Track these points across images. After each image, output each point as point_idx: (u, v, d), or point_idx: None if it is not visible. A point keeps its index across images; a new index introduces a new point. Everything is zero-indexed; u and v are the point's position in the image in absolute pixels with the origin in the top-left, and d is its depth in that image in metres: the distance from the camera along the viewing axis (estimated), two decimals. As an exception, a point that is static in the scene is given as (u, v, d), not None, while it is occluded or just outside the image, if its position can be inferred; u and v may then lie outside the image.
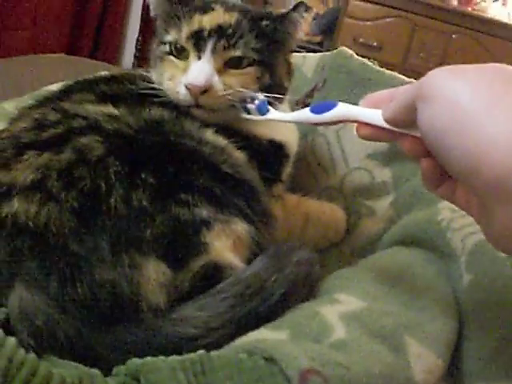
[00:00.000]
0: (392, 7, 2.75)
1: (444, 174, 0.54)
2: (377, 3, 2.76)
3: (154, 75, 0.89)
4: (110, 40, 3.47)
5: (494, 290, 0.67)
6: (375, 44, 2.73)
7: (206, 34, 0.82)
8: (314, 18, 2.94)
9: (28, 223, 0.63)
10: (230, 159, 0.77)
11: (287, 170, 0.95)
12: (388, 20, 2.75)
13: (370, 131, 0.58)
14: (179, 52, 0.85)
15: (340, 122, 0.62)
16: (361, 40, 2.67)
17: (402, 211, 0.92)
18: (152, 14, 0.93)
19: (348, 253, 0.95)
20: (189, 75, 0.81)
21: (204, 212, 0.68)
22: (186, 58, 0.84)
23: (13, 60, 1.93)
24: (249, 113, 0.80)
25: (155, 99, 0.81)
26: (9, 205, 0.65)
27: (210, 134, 0.79)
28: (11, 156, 0.71)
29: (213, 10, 0.86)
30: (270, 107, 0.78)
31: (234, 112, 0.82)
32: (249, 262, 0.72)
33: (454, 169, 0.48)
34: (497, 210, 0.45)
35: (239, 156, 0.81)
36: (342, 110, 0.61)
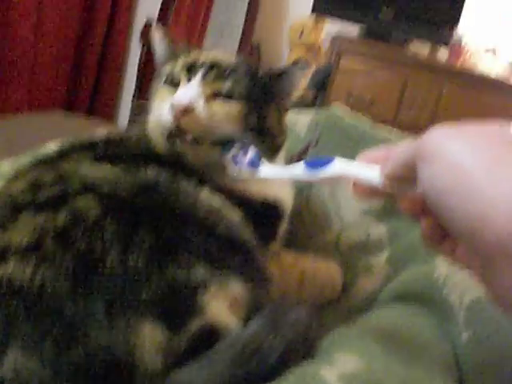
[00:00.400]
0: (383, 63, 2.80)
1: (444, 231, 0.53)
2: (368, 59, 2.82)
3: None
4: (106, 96, 3.52)
5: (493, 346, 0.67)
6: (368, 99, 2.77)
7: (199, 63, 0.86)
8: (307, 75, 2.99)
9: (23, 285, 0.63)
10: (226, 219, 0.77)
11: (282, 227, 0.95)
12: (379, 75, 2.80)
13: (367, 190, 0.58)
14: (173, 82, 0.88)
15: (336, 178, 0.61)
16: (353, 95, 2.71)
17: (398, 267, 0.91)
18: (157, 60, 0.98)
19: (345, 310, 0.94)
20: (175, 96, 0.83)
21: (200, 273, 0.68)
22: (178, 85, 0.87)
23: (10, 117, 1.95)
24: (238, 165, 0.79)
25: (150, 159, 0.82)
26: (4, 266, 0.65)
27: (205, 193, 0.80)
28: (7, 217, 0.71)
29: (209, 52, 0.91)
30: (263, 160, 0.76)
31: (222, 160, 0.82)
32: (246, 321, 0.71)
33: (455, 229, 0.47)
34: (500, 271, 0.44)
35: (234, 215, 0.81)
36: (339, 165, 0.60)
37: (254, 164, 0.75)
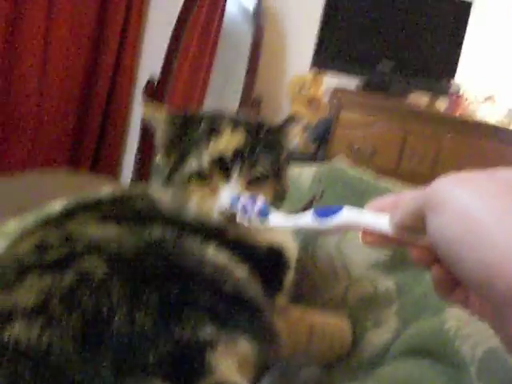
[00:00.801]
0: (382, 115, 2.84)
1: (456, 280, 0.52)
2: (367, 112, 2.85)
3: (165, 195, 0.92)
4: (110, 152, 3.56)
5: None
6: (369, 150, 2.79)
7: (228, 160, 0.87)
8: (308, 129, 3.03)
9: (30, 347, 0.62)
10: (232, 277, 0.77)
11: (289, 276, 0.94)
12: (380, 127, 2.83)
13: (377, 238, 0.57)
14: (203, 178, 0.88)
15: (345, 227, 0.60)
16: (354, 147, 2.74)
17: (407, 320, 0.90)
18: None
19: (355, 365, 0.92)
20: (222, 202, 0.85)
21: (207, 332, 0.67)
22: (211, 182, 0.88)
23: (12, 176, 1.97)
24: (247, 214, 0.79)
25: (155, 218, 0.83)
26: (11, 328, 0.64)
27: (211, 251, 0.80)
28: (13, 278, 0.71)
29: (222, 132, 0.90)
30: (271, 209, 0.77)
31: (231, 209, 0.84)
32: (255, 379, 0.70)
33: (466, 279, 0.47)
34: (511, 319, 0.43)
35: (240, 272, 0.81)
36: (348, 214, 0.59)
37: (263, 213, 0.75)
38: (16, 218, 1.11)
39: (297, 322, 0.90)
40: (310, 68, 3.05)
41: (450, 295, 0.55)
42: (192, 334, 0.66)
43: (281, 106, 3.41)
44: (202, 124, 0.92)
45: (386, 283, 0.97)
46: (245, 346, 0.70)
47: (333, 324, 0.94)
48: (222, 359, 0.67)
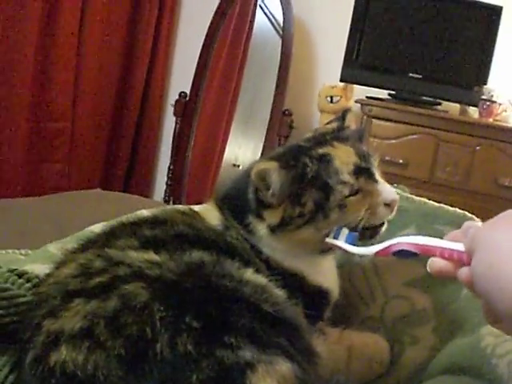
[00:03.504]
0: (414, 125, 2.82)
1: None
2: (399, 122, 2.84)
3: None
4: (142, 170, 3.60)
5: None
6: (401, 161, 2.78)
7: (364, 164, 0.93)
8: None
9: (76, 372, 0.64)
10: (271, 298, 0.78)
11: (328, 312, 0.97)
12: (412, 137, 2.82)
13: (447, 265, 0.60)
14: (356, 191, 0.90)
15: (424, 253, 0.64)
16: (387, 158, 2.71)
17: (444, 338, 0.90)
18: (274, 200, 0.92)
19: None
20: (384, 196, 0.91)
21: (247, 354, 0.68)
22: (360, 191, 0.91)
23: (50, 197, 2.00)
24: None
25: (194, 242, 0.84)
26: (57, 353, 0.67)
27: (249, 274, 0.81)
28: (58, 303, 0.73)
29: (332, 152, 0.93)
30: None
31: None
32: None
33: (496, 310, 0.49)
34: None
35: (279, 294, 0.82)
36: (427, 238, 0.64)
37: (349, 239, 0.84)
38: (56, 242, 1.13)
39: (335, 344, 0.91)
40: (339, 81, 3.04)
41: (496, 324, 0.57)
42: (232, 356, 0.67)
43: (311, 118, 3.42)
44: (308, 159, 0.91)
45: (423, 301, 0.97)
46: (284, 366, 0.71)
47: (371, 343, 0.94)
48: (262, 380, 0.68)
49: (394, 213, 0.93)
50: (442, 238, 0.97)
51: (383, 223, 0.93)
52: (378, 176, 0.93)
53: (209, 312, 0.71)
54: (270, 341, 0.72)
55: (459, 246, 0.58)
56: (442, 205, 1.03)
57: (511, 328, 0.56)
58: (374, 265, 1.05)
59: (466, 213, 1.01)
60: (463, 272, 0.57)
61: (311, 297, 0.92)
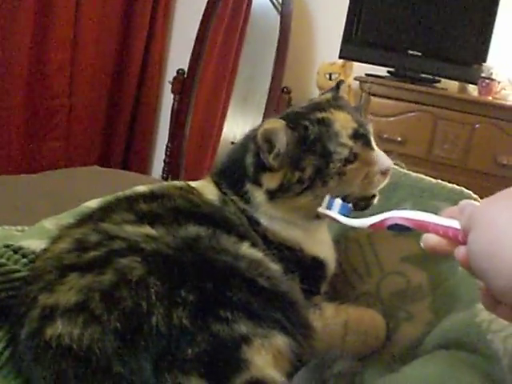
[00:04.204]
0: (413, 102, 2.81)
1: None
2: (397, 99, 2.83)
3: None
4: (140, 148, 3.59)
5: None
6: (399, 139, 2.77)
7: (361, 130, 0.93)
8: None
9: (72, 345, 0.65)
10: (267, 272, 0.78)
11: (325, 285, 0.97)
12: (410, 115, 2.81)
13: (441, 241, 0.59)
14: (354, 157, 0.91)
15: (417, 227, 0.64)
16: (385, 136, 2.71)
17: (440, 314, 0.91)
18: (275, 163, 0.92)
19: (389, 358, 0.93)
20: (381, 164, 0.92)
21: (243, 328, 0.69)
22: (358, 158, 0.91)
23: (47, 174, 2.00)
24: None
25: (190, 216, 0.84)
26: (53, 327, 0.67)
27: (245, 248, 0.81)
28: (54, 278, 0.73)
29: (332, 116, 0.93)
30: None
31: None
32: (290, 375, 0.71)
33: (493, 290, 0.49)
34: None
35: (275, 268, 0.82)
36: (421, 213, 0.64)
37: (342, 210, 0.84)
38: (52, 217, 1.13)
39: (331, 318, 0.91)
40: (338, 58, 3.03)
41: (495, 308, 0.57)
42: (228, 330, 0.68)
43: (309, 94, 3.40)
44: (308, 122, 0.92)
45: (419, 276, 0.97)
46: (280, 341, 0.72)
47: (366, 318, 0.95)
48: (257, 354, 0.69)
49: (387, 180, 0.94)
50: (438, 214, 0.97)
51: (375, 195, 0.94)
52: (374, 144, 0.94)
53: (204, 286, 0.71)
54: (266, 315, 0.73)
55: (455, 224, 0.58)
56: (439, 181, 1.03)
57: (510, 311, 0.56)
58: (370, 241, 1.05)
59: (464, 189, 1.01)
60: (460, 251, 0.56)
61: (308, 269, 0.93)
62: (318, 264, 0.95)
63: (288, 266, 0.85)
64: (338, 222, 0.84)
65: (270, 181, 0.91)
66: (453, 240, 0.58)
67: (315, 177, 0.89)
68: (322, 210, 0.85)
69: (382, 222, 0.70)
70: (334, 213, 0.83)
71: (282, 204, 0.92)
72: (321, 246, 0.97)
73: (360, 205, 0.92)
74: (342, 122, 0.92)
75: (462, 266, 0.57)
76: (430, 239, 0.61)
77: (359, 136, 0.92)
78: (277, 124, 0.89)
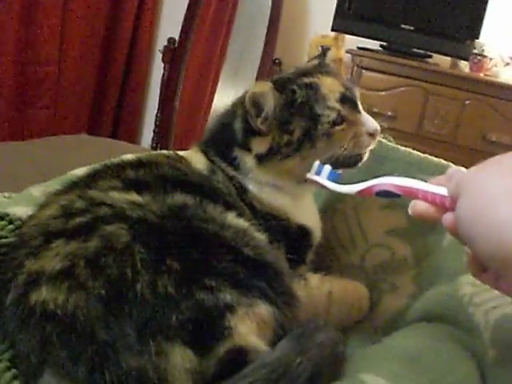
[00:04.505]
0: (404, 77, 2.80)
1: None
2: (389, 73, 2.82)
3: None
4: (129, 117, 3.56)
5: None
6: (390, 113, 2.77)
7: (348, 93, 0.94)
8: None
9: (56, 311, 0.65)
10: (252, 241, 0.79)
11: (310, 254, 0.97)
12: (401, 89, 2.81)
13: (428, 208, 0.60)
14: (341, 120, 0.92)
15: (405, 193, 0.65)
16: (375, 110, 2.70)
17: (423, 286, 0.92)
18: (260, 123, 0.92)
19: (371, 330, 0.94)
20: (368, 126, 0.93)
21: (227, 296, 0.69)
22: (345, 120, 0.92)
23: (34, 141, 1.98)
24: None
25: (177, 185, 0.84)
26: (37, 293, 0.67)
27: (232, 218, 0.81)
28: (39, 244, 0.73)
29: (319, 81, 0.95)
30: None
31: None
32: (273, 343, 0.72)
33: (480, 256, 0.49)
34: None
35: (261, 238, 0.82)
36: (409, 180, 0.65)
37: (331, 176, 0.83)
38: (39, 184, 1.12)
39: (315, 289, 0.92)
40: (331, 31, 3.00)
41: (480, 275, 0.57)
42: (212, 298, 0.68)
43: (301, 67, 3.38)
44: (296, 86, 0.93)
45: (404, 249, 0.98)
46: (264, 310, 0.72)
47: (350, 290, 0.96)
48: (241, 323, 0.69)
49: (375, 142, 0.95)
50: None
51: (364, 154, 0.95)
52: (360, 107, 0.96)
53: (189, 255, 0.72)
54: (250, 284, 0.73)
55: (443, 191, 0.58)
56: (426, 155, 1.03)
57: (494, 279, 0.56)
58: (355, 213, 1.05)
59: (451, 164, 1.01)
60: (447, 217, 0.57)
61: (294, 238, 0.94)
62: (303, 232, 0.96)
63: (274, 235, 0.86)
64: (326, 188, 0.85)
65: (259, 145, 0.92)
66: (440, 207, 0.59)
67: (303, 139, 0.91)
68: (310, 175, 0.85)
69: (370, 188, 0.70)
70: (323, 179, 0.83)
71: (272, 168, 0.93)
72: (307, 214, 0.97)
73: (349, 162, 0.94)
74: (330, 86, 0.94)
75: (449, 232, 0.57)
76: (418, 206, 0.61)
77: (346, 99, 0.93)
78: (264, 87, 0.90)
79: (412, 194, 0.63)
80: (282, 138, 0.91)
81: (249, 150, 0.93)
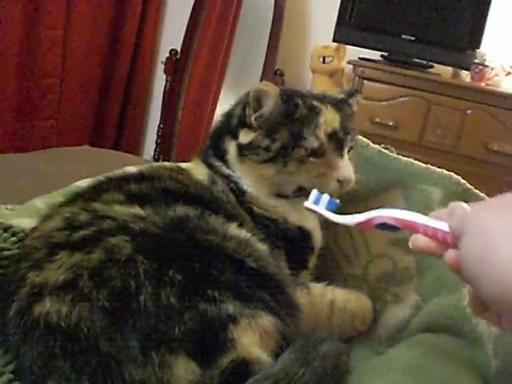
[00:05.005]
0: (406, 87, 2.81)
1: None
2: (390, 83, 2.83)
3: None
4: (132, 129, 3.57)
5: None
6: (391, 123, 2.77)
7: (341, 135, 0.94)
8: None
9: (60, 323, 0.65)
10: (254, 253, 0.79)
11: (313, 259, 0.98)
12: (402, 99, 2.81)
13: (427, 242, 0.60)
14: (320, 153, 0.92)
15: (404, 226, 0.64)
16: (377, 120, 2.72)
17: (426, 297, 0.92)
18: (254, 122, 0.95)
19: (375, 340, 0.94)
20: (341, 172, 0.92)
21: (230, 307, 0.69)
22: (323, 156, 0.93)
23: (37, 153, 1.98)
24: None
25: (179, 197, 0.85)
26: (41, 305, 0.67)
27: (233, 229, 0.82)
28: (43, 256, 0.73)
29: (321, 111, 0.95)
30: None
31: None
32: (276, 354, 0.72)
33: (482, 296, 0.49)
34: None
35: (263, 249, 0.83)
36: (410, 212, 0.63)
37: (330, 205, 0.80)
38: (43, 196, 1.13)
39: (318, 298, 0.92)
40: (332, 42, 3.01)
41: (482, 313, 0.57)
42: (215, 310, 0.68)
43: (303, 77, 3.39)
44: (302, 102, 0.95)
45: (406, 260, 0.98)
46: (266, 321, 0.72)
47: (353, 300, 0.95)
48: (244, 334, 0.69)
49: (345, 190, 0.94)
50: (428, 198, 0.98)
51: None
52: (345, 153, 0.95)
53: (192, 266, 0.72)
54: (253, 295, 0.73)
55: (444, 226, 0.57)
56: (428, 166, 1.03)
57: (496, 318, 0.56)
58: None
59: (453, 174, 1.02)
60: (450, 255, 0.56)
61: (295, 241, 0.95)
62: (303, 234, 0.96)
63: (274, 240, 0.86)
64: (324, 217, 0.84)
65: (245, 136, 0.95)
66: (441, 242, 0.58)
67: (280, 152, 0.92)
68: (308, 204, 0.85)
69: (370, 220, 0.69)
70: (321, 208, 0.82)
71: (249, 168, 0.95)
72: (305, 216, 0.97)
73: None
74: (328, 119, 0.94)
75: (451, 270, 0.57)
76: (418, 240, 0.61)
77: (335, 138, 0.94)
78: (272, 89, 0.93)
79: (412, 228, 0.62)
80: (263, 140, 0.93)
81: (236, 137, 0.96)
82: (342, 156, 0.94)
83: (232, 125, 0.98)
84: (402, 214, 0.64)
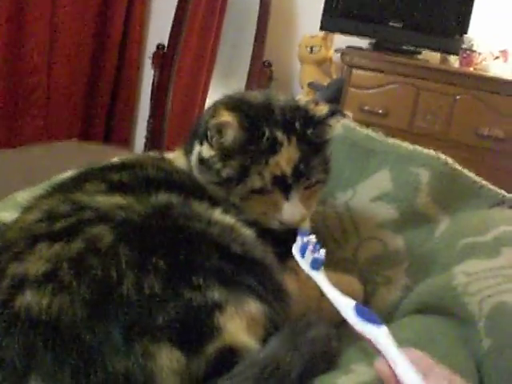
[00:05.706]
0: (394, 74, 2.80)
1: None
2: (379, 71, 2.82)
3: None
4: (121, 124, 3.55)
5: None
6: (381, 111, 2.76)
7: (289, 179, 0.87)
8: (319, 89, 3.01)
9: (41, 315, 0.64)
10: (239, 238, 0.78)
11: None
12: (391, 86, 2.80)
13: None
14: (264, 192, 0.87)
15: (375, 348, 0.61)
16: (366, 108, 2.71)
17: (417, 278, 0.91)
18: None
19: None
20: (284, 215, 0.88)
21: (216, 294, 0.68)
22: (271, 198, 0.88)
23: (26, 148, 1.97)
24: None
25: (162, 184, 0.83)
26: (22, 297, 0.66)
27: (218, 214, 0.80)
28: (23, 247, 0.72)
29: (281, 148, 0.88)
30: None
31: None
32: (264, 341, 0.71)
33: None
34: None
35: (248, 233, 0.81)
36: (386, 340, 0.60)
37: (315, 263, 0.77)
38: (24, 190, 1.12)
39: (307, 282, 0.90)
40: (320, 30, 3.00)
41: None
42: (200, 297, 0.67)
43: (292, 68, 3.38)
44: (268, 132, 0.88)
45: (396, 241, 0.98)
46: (253, 307, 0.71)
47: (344, 283, 0.94)
48: (230, 321, 0.68)
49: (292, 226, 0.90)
50: (416, 179, 0.97)
51: None
52: (294, 195, 0.88)
53: (176, 253, 0.70)
54: (239, 281, 0.72)
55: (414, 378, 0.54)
56: (416, 147, 1.02)
57: None
58: (347, 207, 1.04)
59: (441, 154, 1.01)
60: None
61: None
62: None
63: (259, 229, 0.84)
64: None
65: (205, 150, 0.90)
66: None
67: (225, 182, 0.88)
68: (295, 251, 0.82)
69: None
70: (304, 262, 0.79)
71: (203, 178, 0.91)
72: None
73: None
74: (282, 160, 0.87)
75: None
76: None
77: (281, 183, 0.87)
78: (230, 118, 0.86)
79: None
80: (217, 163, 0.89)
81: (201, 144, 0.91)
82: (286, 199, 0.88)
83: (200, 131, 0.93)
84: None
